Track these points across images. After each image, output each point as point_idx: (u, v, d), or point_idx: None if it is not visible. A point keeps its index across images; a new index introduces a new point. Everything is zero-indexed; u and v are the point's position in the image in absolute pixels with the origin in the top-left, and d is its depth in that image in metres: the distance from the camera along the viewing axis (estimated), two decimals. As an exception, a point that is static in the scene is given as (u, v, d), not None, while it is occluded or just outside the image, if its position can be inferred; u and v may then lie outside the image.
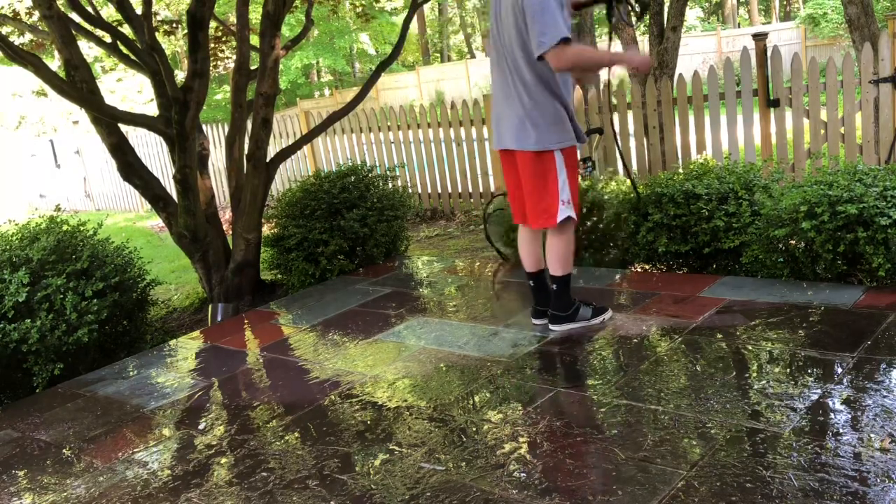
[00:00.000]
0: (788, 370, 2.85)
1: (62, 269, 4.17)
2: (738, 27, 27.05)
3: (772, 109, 5.89)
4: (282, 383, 3.53)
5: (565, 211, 3.30)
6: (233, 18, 7.80)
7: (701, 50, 19.30)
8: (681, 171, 4.68)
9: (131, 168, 5.13)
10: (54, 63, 10.96)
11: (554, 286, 3.49)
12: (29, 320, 3.91)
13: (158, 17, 8.71)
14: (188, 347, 4.35)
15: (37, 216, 4.83)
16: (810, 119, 5.77)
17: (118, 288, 4.40)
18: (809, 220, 3.58)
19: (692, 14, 28.07)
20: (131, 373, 4.02)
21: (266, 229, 5.71)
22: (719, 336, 3.28)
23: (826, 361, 2.85)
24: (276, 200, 5.79)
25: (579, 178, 5.10)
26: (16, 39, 7.26)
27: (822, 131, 5.72)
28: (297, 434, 2.94)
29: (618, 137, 3.76)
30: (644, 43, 8.40)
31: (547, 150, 3.25)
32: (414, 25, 28.87)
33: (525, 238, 3.61)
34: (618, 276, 4.36)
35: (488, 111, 7.30)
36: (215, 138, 9.94)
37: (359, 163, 5.86)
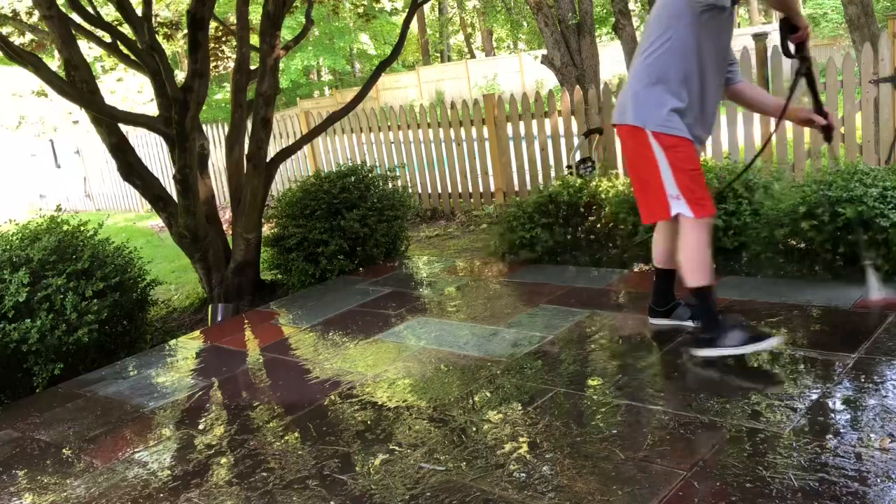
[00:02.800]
0: (788, 370, 2.85)
1: (63, 269, 4.17)
2: (739, 27, 27.04)
3: (772, 109, 5.88)
4: (282, 383, 3.53)
5: (678, 206, 2.90)
6: (233, 18, 7.79)
7: (701, 50, 19.29)
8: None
9: (131, 168, 5.13)
10: (54, 63, 10.96)
11: (693, 299, 3.03)
12: (29, 320, 3.91)
13: (159, 19, 8.70)
14: (188, 347, 4.35)
15: (39, 216, 4.83)
16: (810, 119, 5.76)
17: (118, 288, 4.40)
18: (809, 220, 3.58)
19: (692, 14, 28.00)
20: (131, 373, 4.03)
21: (266, 229, 5.71)
22: (719, 336, 3.27)
23: (826, 361, 2.85)
24: (276, 200, 5.79)
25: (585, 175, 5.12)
26: (16, 39, 7.25)
27: (822, 131, 5.71)
28: (297, 434, 2.94)
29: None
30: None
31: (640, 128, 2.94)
32: (414, 25, 28.88)
33: (658, 226, 3.30)
34: (617, 277, 4.36)
35: (489, 111, 7.29)
36: (215, 138, 9.94)
37: (359, 163, 5.86)
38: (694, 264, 2.93)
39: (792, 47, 2.94)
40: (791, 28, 2.87)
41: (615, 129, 3.15)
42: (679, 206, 2.89)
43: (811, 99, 3.08)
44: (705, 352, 2.99)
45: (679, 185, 2.88)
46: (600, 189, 4.78)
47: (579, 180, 4.93)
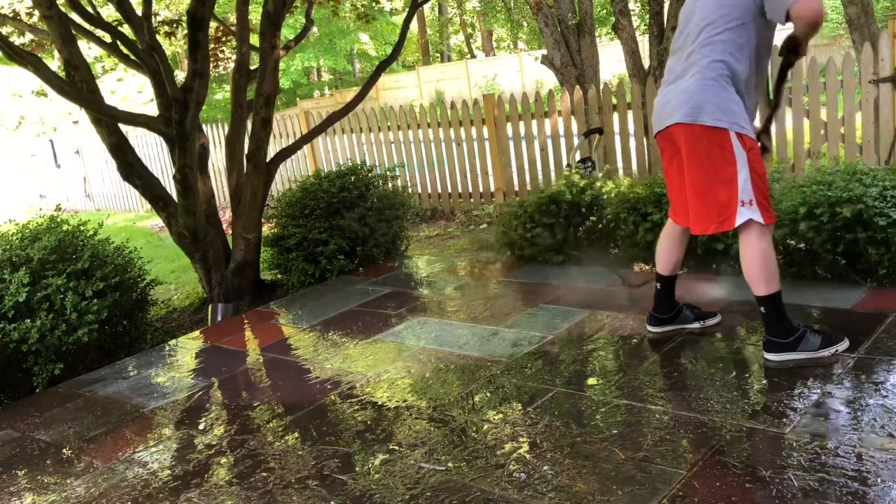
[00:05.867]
0: (788, 370, 2.84)
1: (63, 268, 4.17)
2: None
3: (772, 109, 5.88)
4: (282, 383, 3.53)
5: (748, 213, 2.80)
6: (233, 18, 7.79)
7: (701, 50, 19.26)
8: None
9: (131, 168, 5.13)
10: (54, 63, 10.97)
11: (762, 309, 2.92)
12: (29, 320, 3.91)
13: (159, 18, 8.70)
14: (188, 347, 4.35)
15: (38, 216, 4.83)
16: (810, 119, 5.77)
17: (118, 288, 4.40)
18: (808, 221, 3.58)
19: (692, 14, 27.99)
20: (131, 373, 4.03)
21: (266, 229, 5.71)
22: (719, 336, 3.28)
23: (826, 362, 2.85)
24: (275, 200, 5.80)
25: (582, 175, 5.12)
26: (16, 39, 7.25)
27: (822, 131, 5.71)
28: (297, 434, 2.94)
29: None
30: (644, 43, 8.39)
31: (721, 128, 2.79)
32: (414, 25, 28.88)
33: (668, 234, 3.25)
34: (617, 277, 4.35)
35: (489, 111, 7.30)
36: (215, 138, 9.94)
37: (359, 163, 5.86)
38: (767, 272, 2.86)
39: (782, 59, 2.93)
40: (795, 50, 2.84)
41: (673, 129, 2.92)
42: (749, 213, 2.78)
43: (772, 98, 3.11)
44: (781, 356, 2.90)
45: (755, 189, 2.78)
46: (603, 189, 4.77)
47: (583, 180, 4.93)
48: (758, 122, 3.08)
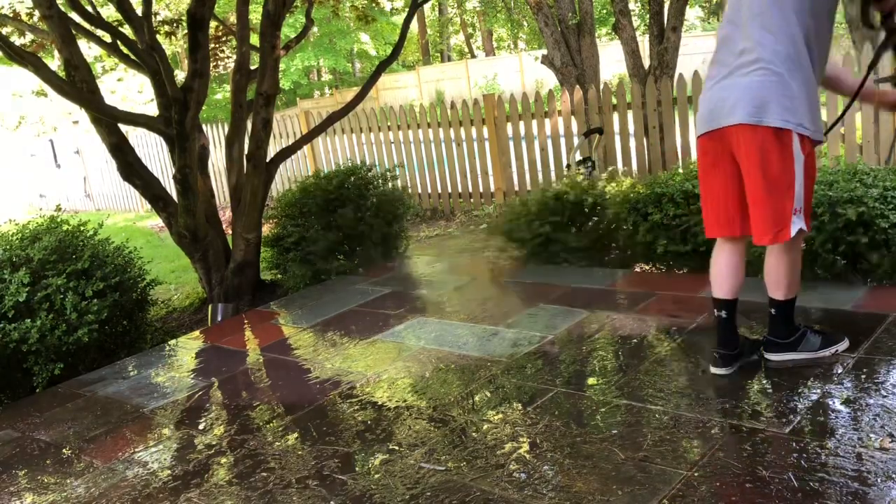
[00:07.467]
0: (788, 370, 2.84)
1: (63, 268, 4.17)
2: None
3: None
4: (282, 383, 3.53)
5: (798, 222, 2.61)
6: (233, 18, 7.79)
7: (701, 50, 19.26)
8: (681, 170, 4.68)
9: (131, 168, 5.13)
10: (54, 63, 10.97)
11: (772, 311, 2.84)
12: (29, 320, 3.91)
13: (159, 18, 8.70)
14: (188, 347, 4.35)
15: (38, 216, 4.83)
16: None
17: (118, 288, 4.40)
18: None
19: (692, 14, 28.04)
20: (131, 373, 4.03)
21: (266, 229, 5.71)
22: (719, 336, 3.27)
23: (826, 362, 2.85)
24: (275, 200, 5.80)
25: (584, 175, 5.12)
26: (16, 39, 7.24)
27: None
28: (297, 434, 2.94)
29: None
30: (644, 43, 8.40)
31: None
32: (414, 26, 28.87)
33: (721, 250, 2.88)
34: (618, 277, 4.35)
35: (489, 111, 7.29)
36: (215, 138, 9.94)
37: (358, 163, 5.87)
38: (791, 278, 2.77)
39: (876, 17, 2.64)
40: None
41: (731, 130, 2.64)
42: (799, 222, 2.61)
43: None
44: (781, 356, 2.87)
45: (806, 197, 2.62)
46: (606, 189, 4.77)
47: (587, 180, 4.93)
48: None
